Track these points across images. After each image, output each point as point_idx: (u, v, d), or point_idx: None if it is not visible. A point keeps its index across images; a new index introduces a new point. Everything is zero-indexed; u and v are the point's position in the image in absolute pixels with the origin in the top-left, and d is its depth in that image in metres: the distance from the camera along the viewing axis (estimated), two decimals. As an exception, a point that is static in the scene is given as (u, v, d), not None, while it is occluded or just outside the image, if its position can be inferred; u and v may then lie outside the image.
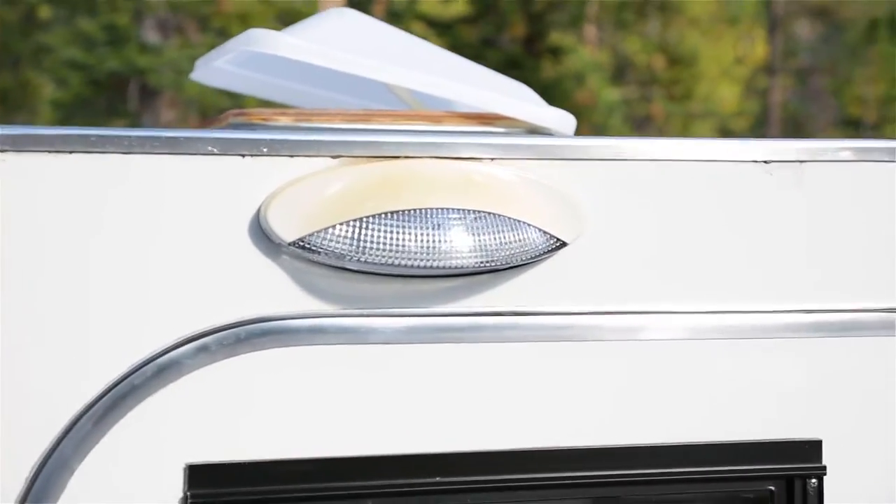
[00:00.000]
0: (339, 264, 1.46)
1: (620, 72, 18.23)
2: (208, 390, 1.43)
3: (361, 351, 1.47)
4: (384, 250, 1.46)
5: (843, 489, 1.59)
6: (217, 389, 1.43)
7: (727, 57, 18.99)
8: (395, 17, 16.60)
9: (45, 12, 16.04)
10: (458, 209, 1.48)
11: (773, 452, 1.57)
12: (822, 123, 18.38)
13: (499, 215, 1.49)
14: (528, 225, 1.49)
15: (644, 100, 18.68)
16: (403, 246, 1.46)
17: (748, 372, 1.58)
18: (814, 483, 1.58)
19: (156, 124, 15.12)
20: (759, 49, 19.73)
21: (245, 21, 15.50)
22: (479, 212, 1.48)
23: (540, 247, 1.50)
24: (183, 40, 15.12)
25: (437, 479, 1.48)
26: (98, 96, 15.76)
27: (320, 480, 1.45)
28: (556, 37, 17.19)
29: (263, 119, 1.69)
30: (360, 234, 1.45)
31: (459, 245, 1.47)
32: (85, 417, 1.39)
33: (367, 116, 1.82)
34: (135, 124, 15.10)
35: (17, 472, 1.38)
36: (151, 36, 15.27)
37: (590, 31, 18.15)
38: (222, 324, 1.43)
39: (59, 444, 1.39)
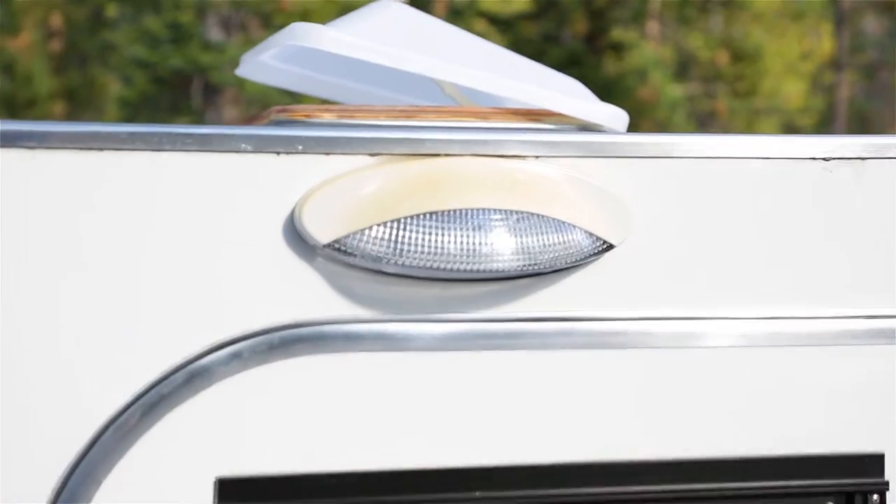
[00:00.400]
0: (376, 267, 1.40)
1: (683, 68, 18.05)
2: (240, 399, 1.38)
3: (399, 358, 1.41)
4: (423, 253, 1.40)
5: None
6: (249, 398, 1.38)
7: (792, 52, 18.74)
8: (456, 15, 16.58)
9: (111, 11, 16.19)
10: (500, 210, 1.42)
11: (832, 466, 1.49)
12: (890, 119, 18.09)
13: (543, 216, 1.42)
14: (574, 226, 1.43)
15: (707, 96, 18.49)
16: (443, 248, 1.40)
17: (805, 381, 1.50)
18: (876, 499, 1.50)
19: (218, 121, 15.22)
20: (825, 44, 19.46)
21: (307, 18, 15.55)
22: (521, 212, 1.42)
23: (586, 249, 1.44)
24: (245, 37, 15.20)
25: (479, 493, 1.42)
26: (162, 94, 15.89)
27: (357, 495, 1.39)
28: (618, 33, 17.05)
29: (306, 115, 1.63)
30: (397, 235, 1.39)
31: (501, 247, 1.41)
32: (112, 428, 1.35)
33: (413, 113, 1.76)
34: (198, 121, 15.21)
35: (42, 484, 1.33)
36: (214, 33, 15.37)
37: (652, 26, 17.99)
38: (255, 329, 1.38)
39: (86, 456, 1.34)
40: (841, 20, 19.30)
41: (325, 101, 2.22)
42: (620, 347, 1.46)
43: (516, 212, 1.42)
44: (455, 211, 1.41)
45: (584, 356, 1.45)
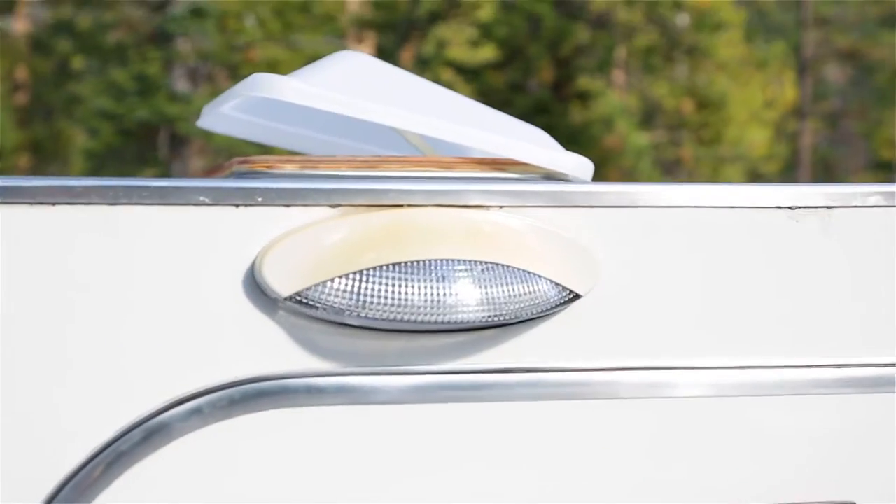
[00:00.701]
0: (339, 320, 1.38)
1: (649, 116, 18.17)
2: (200, 455, 1.34)
3: (363, 412, 1.39)
4: (386, 305, 1.37)
5: None
6: (210, 454, 1.35)
7: (756, 101, 18.91)
8: (423, 64, 16.64)
9: (77, 63, 16.17)
10: (464, 260, 1.40)
11: None
12: (853, 167, 18.24)
13: (507, 266, 1.40)
14: (539, 276, 1.41)
15: (673, 144, 18.61)
16: (407, 300, 1.38)
17: (775, 431, 1.48)
18: None
19: (185, 173, 15.18)
20: (788, 93, 19.65)
21: (274, 69, 15.57)
22: (486, 263, 1.40)
23: (552, 299, 1.42)
24: (213, 89, 15.20)
25: None
26: (128, 145, 15.85)
27: None
28: (584, 81, 17.16)
29: (267, 167, 1.61)
30: (360, 287, 1.37)
31: (466, 298, 1.39)
32: (69, 486, 1.31)
33: (375, 163, 1.74)
34: (164, 173, 15.17)
35: None
36: (181, 85, 15.36)
37: (618, 75, 18.12)
38: (215, 384, 1.35)
39: None
40: (804, 69, 19.50)
41: (288, 153, 2.20)
42: (588, 398, 1.43)
43: (481, 262, 1.40)
44: (419, 262, 1.39)
45: (551, 407, 1.43)
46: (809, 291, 1.49)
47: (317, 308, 1.37)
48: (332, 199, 1.40)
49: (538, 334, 1.43)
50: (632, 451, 1.45)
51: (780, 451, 1.49)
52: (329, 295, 1.37)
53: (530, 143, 1.85)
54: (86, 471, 1.31)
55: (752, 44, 18.72)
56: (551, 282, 1.41)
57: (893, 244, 1.50)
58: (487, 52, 16.56)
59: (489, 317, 1.40)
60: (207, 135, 14.01)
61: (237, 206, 1.38)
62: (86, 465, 1.32)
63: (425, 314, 1.38)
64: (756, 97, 18.76)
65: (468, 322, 1.40)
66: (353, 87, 1.79)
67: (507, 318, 1.41)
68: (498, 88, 16.23)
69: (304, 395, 1.37)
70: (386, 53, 17.83)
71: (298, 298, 1.36)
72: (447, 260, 1.39)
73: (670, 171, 17.81)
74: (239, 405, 1.35)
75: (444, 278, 1.39)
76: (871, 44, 19.14)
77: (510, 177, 1.61)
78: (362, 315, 1.37)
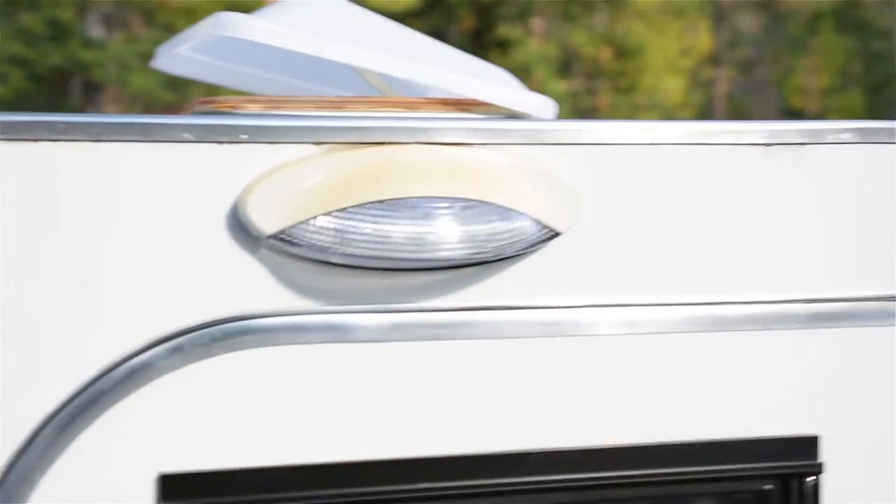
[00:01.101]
0: (322, 258, 1.37)
1: (567, 65, 18.19)
2: (182, 394, 1.34)
3: (345, 349, 1.39)
4: (369, 242, 1.37)
5: (842, 487, 1.53)
6: (191, 393, 1.34)
7: (672, 49, 19.01)
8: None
9: (-15, 7, 15.77)
10: (446, 198, 1.40)
11: (769, 450, 1.51)
12: (766, 114, 18.45)
13: (489, 203, 1.41)
14: (520, 213, 1.42)
15: (590, 92, 18.66)
16: (388, 237, 1.38)
17: (744, 366, 1.51)
18: (811, 481, 1.51)
19: (99, 120, 14.83)
20: (703, 41, 19.78)
21: (192, 15, 15.31)
22: (467, 200, 1.40)
23: (532, 237, 1.43)
24: (128, 35, 14.90)
25: (426, 484, 1.40)
26: (40, 92, 15.51)
27: (303, 489, 1.36)
28: (504, 30, 17.12)
29: (231, 107, 1.60)
30: (343, 225, 1.37)
31: (447, 236, 1.39)
32: (49, 427, 1.30)
33: (340, 103, 1.73)
34: (77, 120, 14.82)
35: None
36: (96, 31, 15.05)
37: (537, 23, 18.10)
38: (196, 323, 1.34)
39: (21, 457, 1.29)
40: (719, 17, 19.66)
41: (223, 93, 2.18)
42: (566, 335, 1.45)
43: (462, 199, 1.40)
44: (401, 200, 1.38)
45: (530, 344, 1.44)
46: (783, 227, 1.51)
47: (300, 246, 1.36)
48: (316, 136, 1.40)
49: (518, 271, 1.44)
50: (610, 386, 1.47)
51: (747, 387, 1.52)
52: (312, 233, 1.36)
53: (494, 83, 1.85)
54: (67, 410, 1.30)
55: (669, -8, 18.82)
56: (532, 219, 1.42)
57: (864, 180, 1.53)
58: (408, 0, 16.45)
59: (470, 254, 1.40)
60: (122, 81, 13.76)
61: (220, 143, 1.36)
62: (67, 405, 1.30)
63: (407, 252, 1.38)
64: (672, 46, 18.85)
65: (449, 259, 1.40)
66: (316, 27, 1.78)
67: (487, 255, 1.41)
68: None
69: (286, 333, 1.37)
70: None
71: (282, 236, 1.36)
72: (429, 197, 1.39)
73: (587, 119, 17.86)
74: (220, 343, 1.35)
75: (425, 216, 1.39)
76: (786, -8, 19.35)
77: (476, 117, 1.61)
78: (345, 253, 1.37)
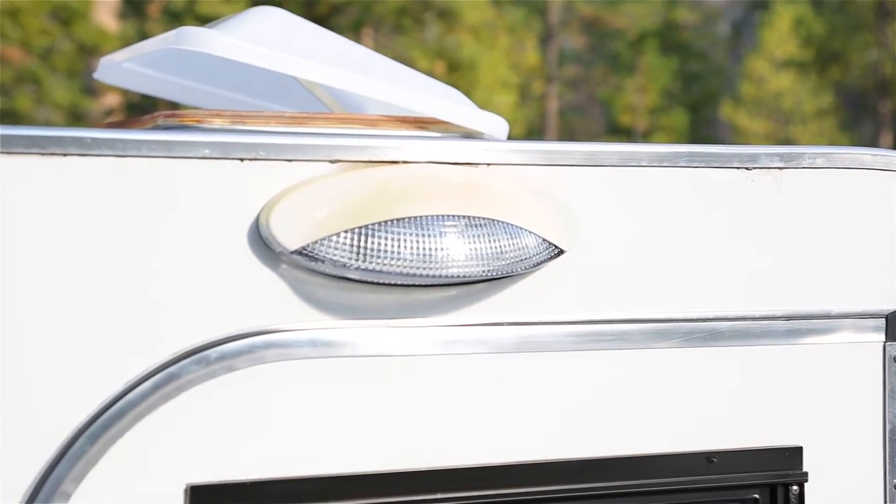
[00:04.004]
0: (342, 273, 1.40)
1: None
2: (209, 406, 1.35)
3: (362, 363, 1.41)
4: (385, 258, 1.40)
5: (825, 495, 1.62)
6: (218, 405, 1.35)
7: (501, 65, 19.34)
8: (173, 18, 16.24)
9: None
10: (457, 216, 1.44)
11: (756, 460, 1.59)
12: (595, 131, 18.91)
13: (498, 222, 1.45)
14: (527, 232, 1.47)
15: (420, 105, 18.78)
16: (402, 254, 1.41)
17: (730, 379, 1.59)
18: (795, 490, 1.60)
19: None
20: (530, 57, 20.17)
21: (16, 17, 14.87)
22: (476, 218, 1.45)
23: (538, 255, 1.48)
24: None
25: (448, 494, 1.43)
26: None
27: (327, 499, 1.38)
28: (339, 41, 17.15)
29: (196, 121, 1.61)
30: (362, 241, 1.39)
31: (457, 253, 1.43)
32: (82, 437, 1.29)
33: (303, 119, 1.75)
34: None
35: (11, 497, 1.26)
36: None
37: (367, 35, 18.17)
38: (222, 336, 1.35)
39: (56, 467, 1.28)
40: (549, 34, 20.09)
41: (177, 106, 2.18)
42: (571, 350, 1.50)
43: (472, 218, 1.44)
44: (416, 218, 1.42)
45: (537, 360, 1.49)
46: (763, 247, 1.60)
47: (321, 262, 1.38)
48: (333, 155, 1.42)
49: (525, 288, 1.49)
50: (609, 400, 1.53)
51: (733, 399, 1.60)
52: (333, 249, 1.39)
53: (449, 101, 1.90)
54: (99, 422, 1.30)
55: (499, 8, 19.14)
56: (538, 237, 1.47)
57: (836, 202, 1.63)
58: (239, 7, 16.28)
59: (479, 271, 1.45)
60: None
61: (242, 160, 1.37)
62: (98, 417, 1.30)
63: (420, 268, 1.42)
64: (502, 61, 19.19)
65: (459, 276, 1.44)
66: (268, 42, 1.79)
67: (496, 272, 1.46)
68: (251, 44, 15.98)
69: (308, 347, 1.39)
70: (133, 6, 17.32)
71: (304, 252, 1.38)
72: (441, 216, 1.43)
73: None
74: (245, 357, 1.36)
75: (438, 233, 1.42)
76: (612, 12, 19.92)
77: (433, 135, 1.66)
78: (363, 268, 1.40)
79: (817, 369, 1.62)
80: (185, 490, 1.33)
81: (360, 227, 1.39)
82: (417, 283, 1.44)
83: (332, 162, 1.42)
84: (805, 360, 1.62)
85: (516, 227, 1.46)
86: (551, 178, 1.51)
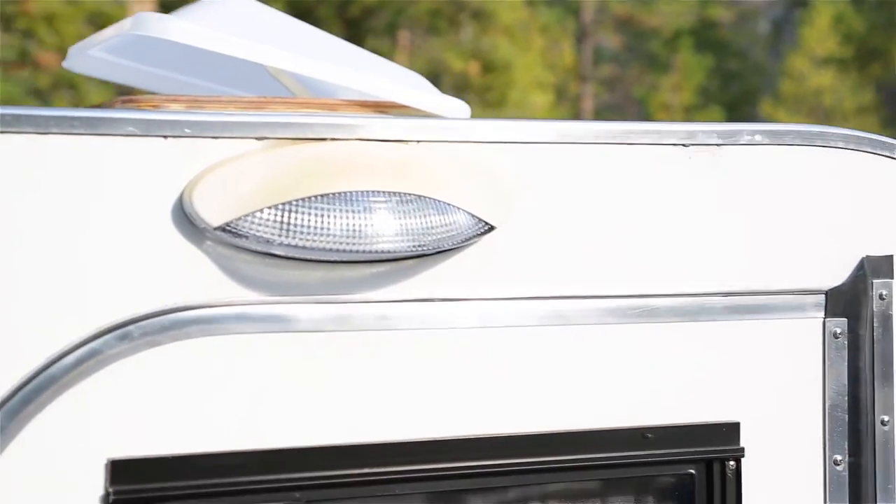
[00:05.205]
0: (266, 249, 1.41)
1: (435, 79, 18.37)
2: (131, 381, 1.36)
3: (288, 339, 1.42)
4: (310, 235, 1.41)
5: (763, 470, 1.62)
6: (140, 380, 1.36)
7: (537, 65, 19.30)
8: (207, 21, 16.35)
9: None
10: (385, 192, 1.44)
11: (693, 436, 1.58)
12: (631, 130, 18.81)
13: (426, 198, 1.46)
14: (457, 208, 1.47)
15: (458, 107, 18.78)
16: (329, 230, 1.42)
17: (668, 356, 1.58)
18: (732, 465, 1.59)
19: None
20: (567, 57, 20.12)
21: (51, 22, 15.02)
22: (406, 195, 1.45)
23: (468, 231, 1.48)
24: (-14, 41, 14.56)
25: (367, 469, 1.44)
26: None
27: (248, 474, 1.39)
28: (373, 43, 17.20)
29: (153, 106, 1.62)
30: (286, 217, 1.40)
31: (386, 229, 1.44)
32: (1, 413, 1.30)
33: (263, 104, 1.76)
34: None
35: None
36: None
37: (404, 36, 18.20)
38: (145, 312, 1.36)
39: None
40: (583, 34, 20.02)
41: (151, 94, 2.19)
42: (501, 326, 1.50)
43: (400, 194, 1.45)
44: (342, 193, 1.42)
45: (466, 335, 1.49)
46: (700, 224, 1.59)
47: (245, 238, 1.39)
48: (259, 132, 1.43)
49: (454, 264, 1.49)
50: (535, 374, 1.53)
51: (671, 375, 1.59)
52: (257, 225, 1.39)
53: (412, 86, 1.90)
54: (18, 397, 1.31)
55: (533, 8, 19.12)
56: (468, 213, 1.47)
57: (776, 180, 1.62)
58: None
59: (408, 247, 1.45)
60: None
61: (166, 137, 1.38)
62: (18, 391, 1.31)
63: (346, 244, 1.42)
64: (537, 61, 19.16)
65: (387, 252, 1.44)
66: (232, 28, 1.80)
67: (425, 248, 1.46)
68: (285, 47, 16.08)
69: (232, 322, 1.40)
70: (167, 9, 17.43)
71: (227, 228, 1.38)
72: (369, 192, 1.43)
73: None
74: (168, 332, 1.37)
75: (366, 209, 1.43)
76: (647, 11, 19.83)
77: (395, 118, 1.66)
78: (288, 244, 1.40)
79: (756, 346, 1.62)
80: (106, 465, 1.34)
81: (283, 204, 1.40)
82: (345, 260, 1.44)
83: (258, 139, 1.43)
84: (743, 336, 1.61)
85: (446, 203, 1.47)
86: (486, 155, 1.51)
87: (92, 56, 2.09)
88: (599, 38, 20.83)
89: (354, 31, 17.07)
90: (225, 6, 1.97)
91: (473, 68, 18.37)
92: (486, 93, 18.60)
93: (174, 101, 1.74)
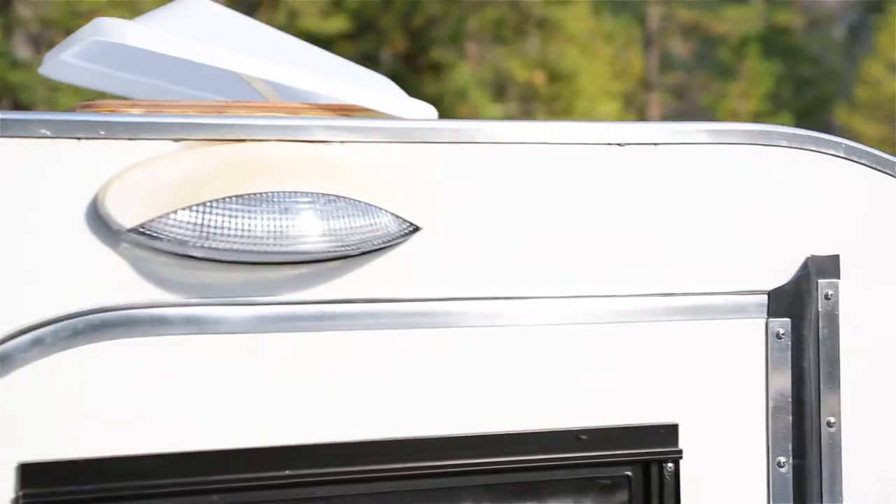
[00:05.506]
0: (183, 251, 1.40)
1: (501, 88, 18.32)
2: (43, 384, 1.35)
3: (207, 341, 1.41)
4: (229, 236, 1.40)
5: (703, 472, 1.58)
6: (52, 383, 1.36)
7: (604, 73, 19.21)
8: (274, 33, 16.48)
9: (-87, 29, 15.57)
10: (307, 193, 1.43)
11: (630, 437, 1.55)
12: (699, 138, 18.63)
13: (349, 199, 1.44)
14: (380, 209, 1.45)
15: (526, 115, 18.79)
16: (249, 231, 1.40)
17: (604, 357, 1.55)
18: (671, 467, 1.56)
19: (29, 143, 14.65)
20: (635, 65, 20.01)
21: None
22: (328, 195, 1.44)
23: (392, 231, 1.46)
24: (56, 56, 14.79)
25: (286, 472, 1.42)
26: (-31, 115, 15.32)
27: (162, 477, 1.38)
28: (437, 53, 17.23)
29: (112, 111, 1.62)
30: (203, 219, 1.39)
31: (308, 230, 1.42)
32: None
33: (222, 108, 1.76)
34: (7, 143, 14.65)
35: None
36: (23, 51, 14.94)
37: (471, 47, 18.22)
38: (58, 315, 1.36)
39: None
40: (649, 42, 19.89)
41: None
42: (427, 327, 1.48)
43: (322, 195, 1.43)
44: (261, 194, 1.41)
45: (392, 336, 1.47)
46: (636, 225, 1.56)
47: (160, 239, 1.38)
48: (176, 133, 1.42)
49: (380, 266, 1.47)
50: (466, 377, 1.50)
51: (607, 376, 1.56)
52: (172, 226, 1.38)
53: (377, 90, 1.89)
54: None
55: (599, 17, 19.03)
56: (392, 214, 1.45)
57: (716, 179, 1.58)
58: (339, 23, 16.49)
59: (331, 248, 1.43)
60: (51, 102, 13.67)
61: (79, 139, 1.38)
62: None
63: (268, 245, 1.41)
64: (604, 70, 19.07)
65: (310, 253, 1.43)
66: (198, 33, 1.80)
67: (349, 249, 1.44)
68: (350, 59, 16.18)
69: (148, 325, 1.39)
70: (238, 20, 17.55)
71: (142, 230, 1.38)
72: (290, 192, 1.42)
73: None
74: (82, 335, 1.36)
75: (286, 210, 1.41)
76: (713, 18, 19.67)
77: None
78: (205, 246, 1.39)
79: (697, 347, 1.58)
80: (17, 468, 1.34)
81: (199, 205, 1.39)
82: (265, 261, 1.43)
83: (175, 140, 1.42)
84: (684, 337, 1.57)
85: (370, 204, 1.45)
86: (412, 155, 1.49)
87: (65, 62, 2.10)
88: (668, 45, 20.68)
89: (418, 41, 17.14)
90: (192, 10, 1.96)
91: (539, 78, 18.34)
92: (552, 102, 18.55)
93: (133, 105, 1.75)
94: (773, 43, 20.23)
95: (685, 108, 20.02)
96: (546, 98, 18.70)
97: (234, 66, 1.80)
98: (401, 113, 1.76)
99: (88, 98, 1.81)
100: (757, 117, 18.55)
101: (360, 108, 1.79)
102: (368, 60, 17.54)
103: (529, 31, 18.57)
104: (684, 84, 20.50)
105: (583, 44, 18.78)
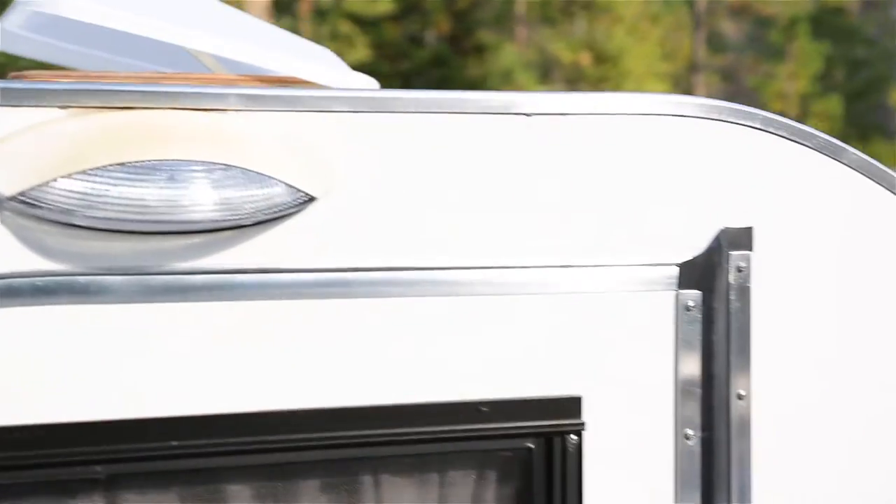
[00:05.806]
0: (67, 220, 1.38)
1: (547, 70, 18.23)
2: None
3: (93, 311, 1.39)
4: (115, 205, 1.38)
5: (609, 445, 1.54)
6: None
7: (653, 55, 19.04)
8: (321, 15, 16.52)
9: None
10: (198, 161, 1.40)
11: (532, 410, 1.52)
12: (748, 120, 18.39)
13: (243, 169, 1.41)
14: (274, 179, 1.42)
15: (572, 98, 18.65)
16: (137, 200, 1.38)
17: (506, 329, 1.52)
18: (573, 439, 1.52)
19: None
20: (684, 47, 19.83)
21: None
22: (220, 164, 1.41)
23: (287, 201, 1.43)
24: None
25: (172, 443, 1.40)
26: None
27: (47, 447, 1.37)
28: (482, 35, 17.16)
29: (44, 80, 1.61)
30: (87, 187, 1.37)
31: (199, 199, 1.40)
32: None
33: (155, 79, 1.74)
34: None
35: None
36: None
37: (518, 29, 18.14)
38: None
39: None
40: (697, 23, 19.69)
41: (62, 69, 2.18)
42: (321, 298, 1.46)
43: (214, 164, 1.41)
44: (150, 162, 1.39)
45: (284, 307, 1.45)
46: (542, 195, 1.52)
47: (43, 208, 1.36)
48: (62, 100, 1.40)
49: (273, 236, 1.45)
50: (363, 348, 1.47)
51: (510, 348, 1.53)
52: (55, 195, 1.36)
53: (319, 63, 1.87)
54: None
55: (647, -2, 18.89)
56: (286, 184, 1.43)
57: (627, 150, 1.54)
58: (385, 5, 16.48)
59: (223, 218, 1.41)
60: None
61: (-38, 106, 1.37)
62: None
63: (157, 215, 1.39)
64: (653, 51, 18.90)
65: (201, 222, 1.40)
66: (142, 5, 1.78)
67: (242, 219, 1.42)
68: (395, 41, 16.18)
69: (30, 294, 1.37)
70: (282, 5, 17.66)
71: (23, 198, 1.36)
72: (180, 161, 1.40)
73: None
74: None
75: (175, 179, 1.39)
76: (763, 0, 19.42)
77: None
78: (91, 216, 1.37)
79: (604, 319, 1.54)
80: None
81: (83, 173, 1.37)
82: (153, 231, 1.41)
83: (61, 108, 1.40)
84: (591, 309, 1.53)
85: (263, 174, 1.42)
86: (308, 125, 1.46)
87: (14, 33, 2.09)
88: (718, 27, 20.46)
89: (463, 24, 17.08)
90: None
91: (585, 59, 18.20)
92: (599, 83, 18.42)
93: (65, 76, 1.73)
94: (825, 23, 19.93)
95: (733, 90, 19.79)
96: (592, 80, 18.56)
97: (170, 39, 1.78)
98: (339, 85, 1.74)
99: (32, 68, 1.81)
100: (804, 99, 18.30)
101: (300, 80, 1.77)
102: (413, 42, 17.56)
103: (576, 12, 18.44)
104: (733, 65, 20.27)
105: (630, 25, 18.61)
